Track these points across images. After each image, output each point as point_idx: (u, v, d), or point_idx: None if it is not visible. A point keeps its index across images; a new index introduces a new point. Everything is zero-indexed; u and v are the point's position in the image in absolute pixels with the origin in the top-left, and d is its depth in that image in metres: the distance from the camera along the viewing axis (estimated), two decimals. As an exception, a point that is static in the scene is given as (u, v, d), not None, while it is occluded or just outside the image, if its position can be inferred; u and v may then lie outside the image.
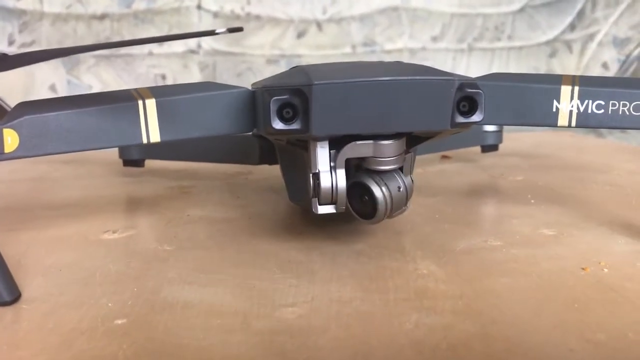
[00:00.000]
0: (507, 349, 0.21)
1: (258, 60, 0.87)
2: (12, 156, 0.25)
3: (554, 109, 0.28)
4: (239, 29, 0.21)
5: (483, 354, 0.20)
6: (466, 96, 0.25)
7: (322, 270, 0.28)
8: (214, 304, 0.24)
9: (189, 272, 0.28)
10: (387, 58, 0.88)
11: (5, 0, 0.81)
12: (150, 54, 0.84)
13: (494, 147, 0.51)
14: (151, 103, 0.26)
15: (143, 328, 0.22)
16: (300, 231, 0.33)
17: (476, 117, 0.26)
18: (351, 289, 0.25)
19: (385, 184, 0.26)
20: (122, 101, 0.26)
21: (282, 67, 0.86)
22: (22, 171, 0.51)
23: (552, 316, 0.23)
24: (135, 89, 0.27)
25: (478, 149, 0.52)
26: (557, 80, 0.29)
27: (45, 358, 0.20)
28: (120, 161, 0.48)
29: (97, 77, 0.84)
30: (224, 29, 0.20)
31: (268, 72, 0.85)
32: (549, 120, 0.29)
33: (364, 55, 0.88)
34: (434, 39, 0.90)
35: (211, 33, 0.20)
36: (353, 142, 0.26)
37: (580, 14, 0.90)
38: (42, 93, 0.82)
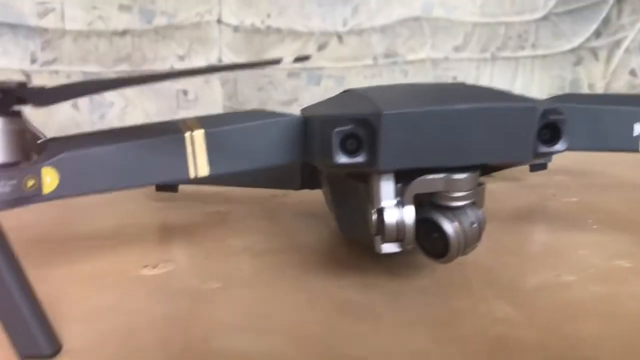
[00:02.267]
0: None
1: (279, 74, 0.85)
2: (51, 197, 0.23)
3: (635, 134, 0.26)
4: (307, 57, 0.19)
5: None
6: (549, 123, 0.23)
7: (387, 314, 0.25)
8: (275, 356, 0.22)
9: (240, 316, 0.26)
10: (410, 69, 0.86)
11: (28, 19, 0.80)
12: (172, 69, 0.83)
13: (543, 166, 0.49)
14: (199, 134, 0.24)
15: (201, 388, 0.20)
16: (354, 265, 0.31)
17: (559, 147, 0.23)
18: (424, 339, 0.23)
19: (458, 220, 0.24)
20: (169, 133, 0.24)
21: (303, 80, 0.84)
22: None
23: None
24: (183, 120, 0.25)
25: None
26: (637, 101, 0.26)
27: None
28: (153, 185, 0.46)
29: (119, 93, 0.83)
30: (291, 59, 0.18)
31: (289, 85, 0.83)
32: (629, 145, 0.26)
33: (385, 67, 0.86)
34: (457, 48, 0.88)
35: (276, 62, 0.18)
36: (424, 177, 0.23)
37: (606, 21, 0.88)
38: (64, 110, 0.81)
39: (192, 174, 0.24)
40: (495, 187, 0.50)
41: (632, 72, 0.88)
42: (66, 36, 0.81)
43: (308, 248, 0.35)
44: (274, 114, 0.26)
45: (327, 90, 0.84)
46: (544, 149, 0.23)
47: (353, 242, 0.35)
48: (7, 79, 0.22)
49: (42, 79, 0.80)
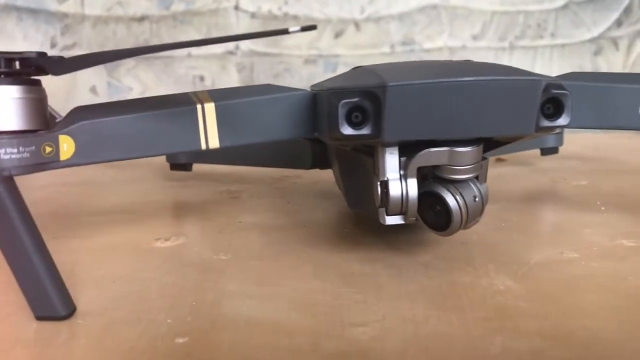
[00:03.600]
0: (610, 380, 0.19)
1: (295, 60, 0.85)
2: (68, 163, 0.24)
3: (640, 111, 0.26)
4: (313, 27, 0.19)
5: (584, 385, 0.18)
6: (552, 97, 0.23)
7: (389, 284, 0.26)
8: (279, 321, 0.23)
9: (248, 284, 0.26)
10: (427, 57, 0.86)
11: (48, 4, 0.81)
12: (189, 55, 0.83)
13: (554, 150, 0.49)
14: (210, 107, 0.25)
15: (207, 348, 0.21)
16: (360, 241, 0.32)
17: (562, 121, 0.24)
18: (424, 307, 0.24)
19: (461, 193, 0.24)
20: (181, 105, 0.25)
21: (320, 68, 0.84)
22: (68, 175, 0.51)
23: (653, 341, 0.21)
24: (194, 92, 0.26)
25: (533, 150, 0.50)
26: (642, 79, 0.26)
27: (107, 381, 0.19)
28: (167, 165, 0.47)
29: (136, 79, 0.84)
30: (297, 28, 0.19)
31: (305, 72, 0.84)
32: (635, 123, 0.26)
33: (402, 55, 0.86)
34: (475, 37, 0.87)
35: (284, 32, 0.19)
36: (427, 150, 0.24)
37: (628, 10, 0.86)
38: (83, 95, 0.82)
39: (203, 145, 0.25)
40: (507, 170, 0.50)
41: (654, 63, 0.87)
42: (85, 21, 0.82)
43: (316, 225, 0.35)
44: (284, 89, 0.27)
45: (342, 77, 0.84)
46: (546, 122, 0.24)
47: (361, 219, 0.35)
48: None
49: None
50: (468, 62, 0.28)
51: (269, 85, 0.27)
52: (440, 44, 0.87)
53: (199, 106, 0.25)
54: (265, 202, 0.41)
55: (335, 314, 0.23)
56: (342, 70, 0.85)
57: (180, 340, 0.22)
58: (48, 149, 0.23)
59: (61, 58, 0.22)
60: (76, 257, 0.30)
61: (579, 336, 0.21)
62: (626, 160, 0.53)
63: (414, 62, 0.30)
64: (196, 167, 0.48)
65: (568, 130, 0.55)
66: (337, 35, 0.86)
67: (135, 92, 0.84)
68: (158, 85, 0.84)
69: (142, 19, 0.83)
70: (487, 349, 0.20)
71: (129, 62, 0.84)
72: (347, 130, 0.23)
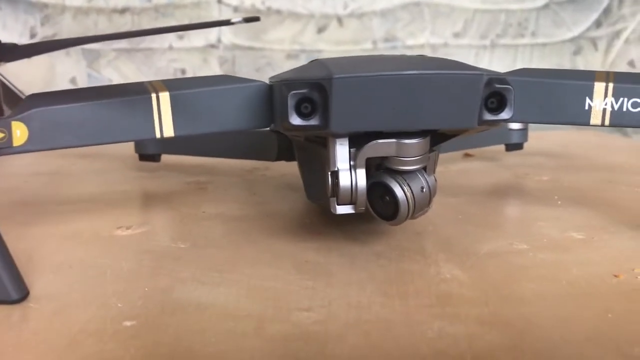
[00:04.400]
0: (537, 363, 0.19)
1: (278, 55, 0.86)
2: (21, 150, 0.24)
3: (587, 107, 0.27)
4: (256, 19, 0.20)
5: (511, 368, 0.19)
6: (495, 92, 0.24)
7: (340, 272, 0.27)
8: (228, 306, 0.23)
9: (202, 271, 0.27)
10: (409, 53, 0.87)
11: (27, -7, 0.81)
12: (171, 48, 0.84)
13: (519, 146, 0.50)
14: (165, 96, 0.25)
15: (152, 331, 0.21)
16: (319, 231, 0.32)
17: (505, 115, 0.24)
18: (370, 294, 0.24)
19: (408, 184, 0.25)
20: (135, 94, 0.25)
21: (302, 62, 0.85)
22: (38, 165, 0.51)
23: (585, 327, 0.21)
24: (150, 82, 0.26)
25: (502, 147, 0.51)
26: (590, 76, 0.27)
27: (51, 361, 0.20)
28: (136, 156, 0.47)
29: (117, 70, 0.84)
30: (239, 19, 0.19)
31: (287, 66, 0.84)
32: (581, 118, 0.27)
33: (384, 51, 0.87)
34: (456, 35, 0.88)
35: (227, 23, 0.19)
36: (375, 141, 0.24)
37: (607, 11, 0.88)
38: (63, 86, 0.82)
39: (157, 134, 0.26)
40: (472, 165, 0.51)
41: (631, 63, 0.88)
42: (66, 12, 0.82)
43: (279, 216, 0.36)
44: (240, 80, 0.27)
45: (322, 71, 0.84)
46: (489, 116, 0.24)
47: (322, 210, 0.36)
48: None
49: (41, 55, 0.81)
50: (420, 57, 0.29)
51: (226, 75, 0.28)
52: (422, 40, 0.88)
53: (153, 95, 0.25)
54: (231, 193, 0.42)
55: (283, 299, 0.24)
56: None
57: (127, 323, 0.22)
58: (0, 135, 0.23)
59: (14, 45, 0.22)
60: (35, 245, 0.31)
61: (515, 324, 0.22)
62: (590, 157, 0.54)
63: (369, 56, 0.31)
64: (166, 158, 0.48)
65: (537, 127, 0.56)
66: (320, 30, 0.86)
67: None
68: (139, 77, 0.84)
69: (123, 10, 0.83)
70: (424, 333, 0.21)
71: (110, 54, 0.83)
72: (296, 120, 0.24)
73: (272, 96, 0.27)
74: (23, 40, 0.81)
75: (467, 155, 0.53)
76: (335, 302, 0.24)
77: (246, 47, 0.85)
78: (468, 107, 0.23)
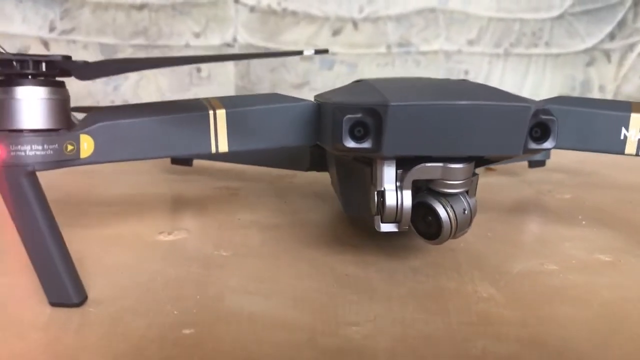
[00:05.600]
0: (579, 385, 0.20)
1: (292, 56, 0.86)
2: (87, 161, 0.25)
3: (622, 137, 0.28)
4: (325, 51, 0.21)
5: (555, 389, 0.20)
6: (540, 122, 0.25)
7: (381, 287, 0.28)
8: (279, 317, 0.25)
9: (248, 280, 0.28)
10: (422, 59, 0.88)
11: (50, -12, 0.81)
12: (187, 46, 0.84)
13: (541, 163, 0.51)
14: (221, 114, 0.27)
15: (212, 339, 0.23)
16: (354, 244, 0.34)
17: (548, 145, 0.25)
18: (413, 310, 0.25)
19: (451, 205, 0.26)
20: (194, 110, 0.27)
21: (316, 64, 0.86)
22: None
23: (619, 351, 0.23)
24: (206, 99, 0.27)
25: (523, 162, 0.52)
26: (626, 107, 0.28)
27: (121, 366, 0.21)
28: (168, 158, 0.48)
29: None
30: (311, 51, 0.20)
31: (301, 68, 0.85)
32: (616, 147, 0.28)
33: (398, 56, 0.88)
34: (470, 42, 0.89)
35: (298, 53, 0.21)
36: (422, 164, 0.26)
37: (621, 24, 0.88)
38: (82, 83, 0.82)
39: (213, 149, 0.27)
40: (496, 180, 0.52)
41: (644, 76, 0.89)
42: (85, 7, 0.83)
43: (313, 226, 0.37)
44: (290, 99, 0.29)
45: (339, 75, 0.86)
46: (533, 145, 0.25)
47: (354, 221, 0.37)
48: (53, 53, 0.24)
49: (59, 48, 0.82)
50: (464, 82, 0.30)
51: (276, 94, 0.29)
52: (436, 47, 0.88)
53: (211, 112, 0.26)
54: (263, 200, 0.43)
55: (331, 312, 0.25)
56: (337, 68, 0.87)
57: (187, 331, 0.23)
58: (70, 147, 0.24)
59: (85, 63, 0.23)
60: (84, 247, 0.32)
61: (553, 344, 0.23)
62: (610, 175, 0.55)
63: (413, 78, 0.32)
64: (196, 161, 0.49)
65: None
66: (335, 33, 0.87)
67: (132, 80, 0.85)
68: (155, 74, 0.85)
69: (141, 7, 0.84)
70: (469, 351, 0.22)
71: (127, 50, 0.84)
72: (349, 143, 0.25)
73: (320, 115, 0.28)
74: (42, 33, 0.82)
75: (489, 169, 0.55)
76: (380, 317, 0.25)
77: (261, 47, 0.85)
78: (515, 136, 0.25)
